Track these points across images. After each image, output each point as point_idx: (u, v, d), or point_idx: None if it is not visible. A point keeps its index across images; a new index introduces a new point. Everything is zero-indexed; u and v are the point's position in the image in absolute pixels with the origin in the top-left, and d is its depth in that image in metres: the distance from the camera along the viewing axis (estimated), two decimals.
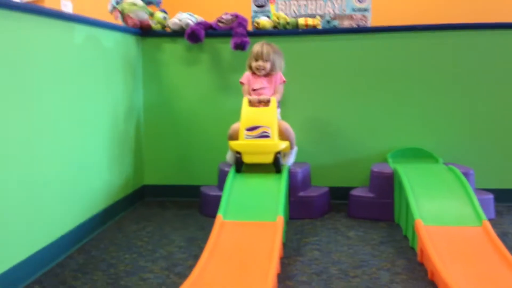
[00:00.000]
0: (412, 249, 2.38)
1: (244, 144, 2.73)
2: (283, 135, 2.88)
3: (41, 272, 2.14)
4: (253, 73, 2.93)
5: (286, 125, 2.90)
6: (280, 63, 2.92)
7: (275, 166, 2.72)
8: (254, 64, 2.89)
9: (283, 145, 2.77)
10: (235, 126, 2.88)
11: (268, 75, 2.92)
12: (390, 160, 3.05)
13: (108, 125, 2.85)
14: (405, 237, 2.55)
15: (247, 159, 2.73)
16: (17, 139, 1.99)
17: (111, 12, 3.26)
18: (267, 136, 2.73)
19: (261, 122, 2.75)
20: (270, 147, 2.72)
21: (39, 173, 2.15)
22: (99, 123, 2.74)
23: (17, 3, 2.03)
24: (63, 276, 2.11)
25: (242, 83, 2.95)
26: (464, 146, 3.13)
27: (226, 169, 2.87)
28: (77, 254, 2.36)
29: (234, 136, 2.84)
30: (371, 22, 5.06)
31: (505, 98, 3.10)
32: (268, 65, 2.87)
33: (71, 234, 2.42)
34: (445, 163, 2.95)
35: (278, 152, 2.72)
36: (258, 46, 2.89)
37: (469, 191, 2.48)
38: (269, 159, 2.72)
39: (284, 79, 2.94)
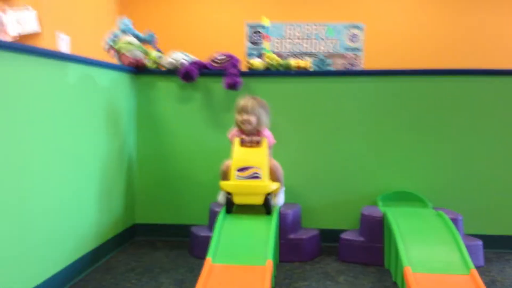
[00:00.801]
0: None
1: (235, 185, 2.73)
2: (272, 174, 2.88)
3: None
4: (241, 130, 2.92)
5: (275, 163, 2.91)
6: (266, 117, 2.90)
7: (265, 207, 2.72)
8: (239, 118, 2.87)
9: (274, 186, 2.77)
10: (227, 163, 2.89)
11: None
12: (380, 203, 3.06)
13: (100, 163, 2.86)
14: (395, 283, 2.55)
15: (237, 200, 2.73)
16: (6, 177, 1.99)
17: (107, 50, 3.31)
18: (258, 177, 2.73)
19: (252, 163, 2.76)
20: (260, 188, 2.71)
21: (27, 212, 2.15)
22: (91, 161, 2.75)
23: (10, 43, 2.06)
24: None
25: (229, 139, 2.97)
26: (454, 191, 3.16)
27: (217, 209, 2.87)
28: None
29: (226, 173, 2.85)
30: (365, 62, 5.16)
31: (497, 143, 3.14)
32: (253, 119, 2.85)
33: (59, 275, 2.39)
34: (434, 208, 2.97)
35: (269, 194, 2.73)
36: (243, 100, 2.88)
37: (457, 238, 2.50)
38: (259, 200, 2.71)
39: (274, 140, 2.94)
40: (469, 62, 4.77)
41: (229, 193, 2.74)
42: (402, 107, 3.19)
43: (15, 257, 2.06)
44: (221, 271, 2.32)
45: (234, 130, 2.96)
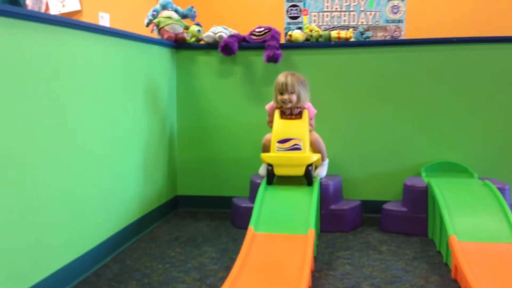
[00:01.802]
0: (446, 265, 2.35)
1: (276, 156, 2.74)
2: (313, 146, 2.88)
3: (77, 280, 2.20)
4: (280, 108, 2.88)
5: (316, 136, 2.90)
6: (306, 93, 2.85)
7: (307, 178, 2.72)
8: (279, 97, 2.83)
9: (315, 157, 2.76)
10: (267, 136, 2.91)
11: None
12: (423, 174, 3.01)
13: (142, 136, 2.91)
14: (439, 253, 2.52)
15: (278, 171, 2.74)
16: (54, 150, 2.06)
17: (147, 25, 3.34)
18: (298, 149, 2.74)
19: (293, 135, 2.76)
20: (301, 159, 2.72)
21: (75, 184, 2.22)
22: (133, 134, 2.80)
23: (55, 16, 2.10)
24: (98, 285, 2.16)
25: (267, 111, 2.98)
26: (500, 160, 3.08)
27: (258, 181, 2.89)
28: (112, 264, 2.41)
29: (267, 147, 2.86)
30: (406, 33, 5.03)
31: None
32: (294, 97, 2.81)
33: (106, 243, 2.47)
34: (480, 178, 2.90)
35: (310, 165, 2.72)
36: (282, 77, 2.83)
37: (505, 207, 2.44)
38: (300, 171, 2.72)
39: (315, 110, 2.93)
40: None
41: (270, 165, 2.75)
42: (446, 76, 3.10)
43: (64, 226, 2.13)
44: (264, 239, 2.35)
45: (272, 104, 2.96)
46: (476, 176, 2.93)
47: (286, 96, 2.81)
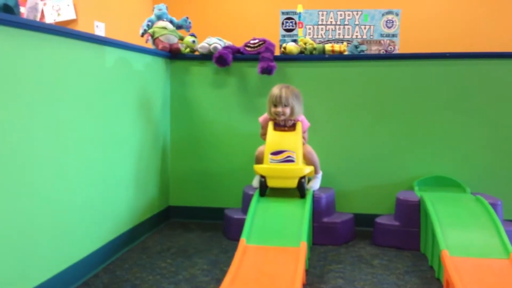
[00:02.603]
0: (438, 280, 2.35)
1: (269, 168, 2.73)
2: (306, 159, 2.88)
3: None
4: (274, 120, 2.87)
5: (309, 148, 2.90)
6: (299, 106, 2.85)
7: (299, 191, 2.72)
8: (273, 109, 2.83)
9: (308, 170, 2.76)
10: (261, 148, 2.90)
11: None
12: (416, 188, 3.01)
13: (135, 146, 2.90)
14: (431, 267, 2.51)
15: (271, 183, 2.73)
16: (45, 158, 2.04)
17: (142, 35, 3.35)
18: (291, 161, 2.73)
19: (286, 147, 2.75)
20: (294, 172, 2.71)
21: (66, 193, 2.20)
22: (126, 144, 2.79)
23: (49, 25, 2.10)
24: None
25: (260, 123, 2.98)
26: (493, 175, 3.08)
27: (251, 192, 2.88)
28: (103, 274, 2.39)
29: (261, 159, 2.86)
30: (400, 47, 5.06)
31: None
32: (287, 110, 2.80)
33: (97, 253, 2.45)
34: (473, 193, 2.91)
35: (303, 177, 2.72)
36: (276, 90, 2.83)
37: (497, 223, 2.44)
38: (293, 183, 2.71)
39: (308, 123, 2.93)
40: (508, 45, 4.64)
41: (263, 176, 2.74)
42: (438, 91, 3.12)
43: (55, 235, 2.11)
44: (255, 252, 2.33)
45: (266, 115, 2.96)
46: (469, 191, 2.93)
47: (279, 109, 2.81)
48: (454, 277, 2.05)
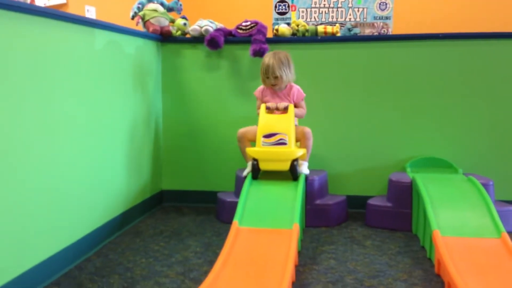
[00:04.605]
0: (430, 260, 2.36)
1: (261, 151, 2.72)
2: (302, 140, 2.85)
3: (59, 274, 2.18)
4: (269, 88, 2.90)
5: (307, 130, 2.85)
6: (290, 73, 2.85)
7: (292, 173, 2.71)
8: (266, 81, 2.86)
9: (300, 152, 2.74)
10: (242, 130, 2.92)
11: (284, 89, 2.89)
12: (408, 169, 3.02)
13: (127, 130, 2.88)
14: (423, 247, 2.53)
15: (263, 166, 2.72)
16: (36, 143, 2.03)
17: (133, 18, 3.31)
18: (284, 144, 2.72)
19: (278, 129, 2.74)
20: (286, 154, 2.70)
21: (59, 177, 2.19)
22: (118, 128, 2.77)
23: (40, 7, 2.07)
24: (80, 278, 2.14)
25: (256, 96, 2.97)
26: (484, 156, 3.10)
27: (243, 175, 2.87)
28: (95, 257, 2.38)
29: (242, 140, 2.90)
30: (393, 29, 5.04)
31: None
32: (279, 80, 2.82)
33: (89, 237, 2.45)
34: (465, 174, 2.91)
35: (295, 160, 2.71)
36: (266, 59, 2.83)
37: (489, 203, 2.45)
38: (285, 166, 2.70)
39: (303, 93, 2.91)
40: (503, 25, 4.61)
41: (255, 159, 2.73)
42: (431, 72, 3.11)
43: (47, 219, 2.11)
44: (248, 234, 2.33)
45: (260, 87, 2.95)
46: (461, 172, 2.94)
47: (272, 80, 2.83)
48: (446, 257, 2.06)
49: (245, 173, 2.88)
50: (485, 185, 2.67)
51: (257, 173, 2.75)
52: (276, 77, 2.81)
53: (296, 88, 2.90)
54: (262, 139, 2.74)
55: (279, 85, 2.85)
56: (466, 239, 2.24)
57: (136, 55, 2.99)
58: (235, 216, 2.42)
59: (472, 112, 3.09)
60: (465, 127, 3.10)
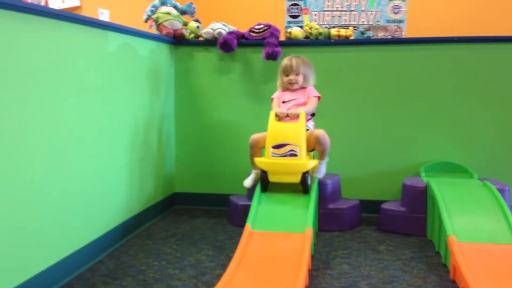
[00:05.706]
0: (445, 266, 2.33)
1: (270, 162, 2.59)
2: (318, 144, 2.70)
3: (72, 276, 2.18)
4: (284, 90, 2.85)
5: (322, 132, 2.72)
6: (311, 75, 2.82)
7: (303, 186, 2.61)
8: (285, 79, 2.79)
9: (312, 164, 2.61)
10: (254, 136, 2.79)
11: (301, 89, 2.83)
12: (423, 174, 2.99)
13: (140, 132, 2.88)
14: (438, 253, 2.49)
15: (273, 178, 2.61)
16: (51, 144, 2.04)
17: (146, 21, 3.32)
18: (294, 155, 2.57)
19: (289, 140, 2.57)
20: (297, 167, 2.56)
21: (72, 180, 2.20)
22: (131, 130, 2.78)
23: (54, 10, 2.08)
24: (93, 281, 2.13)
25: (272, 99, 2.87)
26: (500, 161, 3.06)
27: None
28: (108, 260, 2.38)
29: (254, 148, 2.77)
30: (407, 33, 5.00)
31: None
32: (300, 78, 2.77)
33: (102, 239, 2.45)
34: (480, 179, 2.88)
35: (306, 172, 2.60)
36: (286, 60, 2.80)
37: (504, 208, 2.42)
38: (296, 179, 2.58)
39: (319, 94, 2.81)
40: None
41: (264, 171, 2.62)
42: (446, 76, 3.08)
43: (60, 221, 2.11)
44: (261, 237, 2.32)
45: (277, 92, 2.89)
46: (476, 177, 2.91)
47: (292, 77, 2.77)
48: (461, 263, 2.04)
49: (246, 183, 2.80)
50: (501, 191, 2.64)
51: (266, 186, 2.65)
52: (297, 74, 2.76)
53: (310, 88, 2.84)
54: (272, 149, 2.59)
55: (298, 84, 2.79)
56: (481, 244, 2.21)
57: (149, 58, 2.99)
58: (248, 220, 2.41)
59: (488, 117, 3.05)
60: (480, 131, 3.06)
